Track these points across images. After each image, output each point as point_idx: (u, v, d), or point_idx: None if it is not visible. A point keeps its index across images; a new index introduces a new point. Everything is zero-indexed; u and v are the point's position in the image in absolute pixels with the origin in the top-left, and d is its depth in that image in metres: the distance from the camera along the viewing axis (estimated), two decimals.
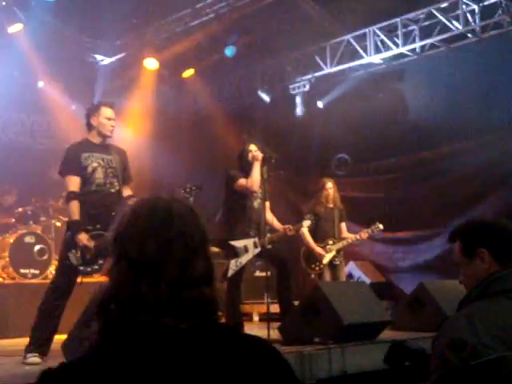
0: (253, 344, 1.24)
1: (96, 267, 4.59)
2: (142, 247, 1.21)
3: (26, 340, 4.48)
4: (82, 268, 4.53)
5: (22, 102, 8.98)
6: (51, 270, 7.33)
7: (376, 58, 8.36)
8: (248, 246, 5.38)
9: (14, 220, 7.79)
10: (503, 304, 1.91)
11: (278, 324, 4.98)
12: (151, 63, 9.24)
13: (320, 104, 9.23)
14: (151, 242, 1.21)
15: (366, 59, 8.39)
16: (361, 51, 8.39)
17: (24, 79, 8.66)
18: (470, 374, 1.75)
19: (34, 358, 4.25)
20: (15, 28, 7.72)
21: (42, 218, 7.91)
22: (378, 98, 8.64)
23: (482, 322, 1.83)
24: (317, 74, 8.95)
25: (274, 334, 4.85)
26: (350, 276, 8.01)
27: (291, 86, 9.20)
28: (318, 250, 6.46)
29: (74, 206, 4.53)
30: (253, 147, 5.64)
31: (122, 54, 9.61)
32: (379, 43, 8.23)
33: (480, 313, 1.88)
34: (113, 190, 4.68)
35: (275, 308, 5.61)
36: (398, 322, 5.28)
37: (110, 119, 4.69)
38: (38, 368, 4.10)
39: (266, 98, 9.42)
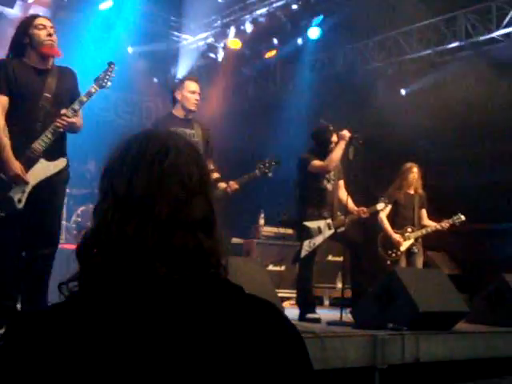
0: (259, 308, 1.05)
1: None
2: (131, 182, 1.06)
3: None
4: None
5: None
6: None
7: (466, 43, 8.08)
8: (322, 227, 5.34)
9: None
10: None
11: (348, 309, 4.94)
12: (234, 43, 9.31)
13: (403, 91, 9.02)
14: (141, 176, 1.06)
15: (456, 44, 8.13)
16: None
17: (111, 55, 8.91)
18: None
19: None
20: (106, 5, 7.97)
21: None
22: (465, 85, 8.32)
23: None
24: (400, 59, 8.74)
25: (346, 317, 4.82)
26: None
27: (373, 71, 9.03)
28: (396, 237, 6.34)
29: None
30: (332, 128, 5.58)
31: (206, 34, 9.73)
32: (470, 27, 7.94)
33: None
34: None
35: (347, 293, 5.56)
36: (475, 315, 5.11)
37: (194, 92, 4.71)
38: None
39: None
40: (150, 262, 1.01)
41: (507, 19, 7.66)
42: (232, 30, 9.32)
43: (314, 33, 8.89)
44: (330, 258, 7.73)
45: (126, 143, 1.11)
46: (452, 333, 4.52)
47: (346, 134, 5.30)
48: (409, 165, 6.55)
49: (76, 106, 3.72)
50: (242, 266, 4.35)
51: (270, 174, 4.82)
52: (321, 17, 8.73)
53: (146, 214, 1.03)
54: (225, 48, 9.55)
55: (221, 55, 9.69)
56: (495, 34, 7.86)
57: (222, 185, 4.75)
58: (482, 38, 7.99)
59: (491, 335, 4.70)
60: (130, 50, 9.48)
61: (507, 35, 7.84)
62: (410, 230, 6.41)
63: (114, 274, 1.02)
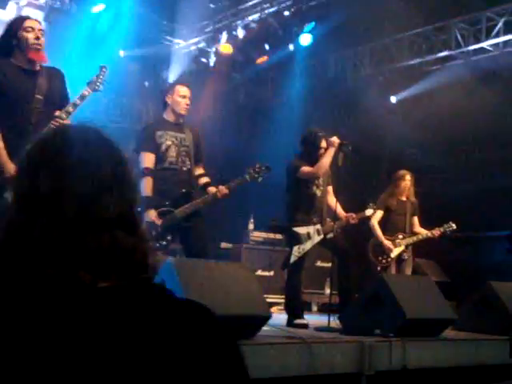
0: (189, 313, 0.98)
1: (164, 243, 4.67)
2: (34, 180, 0.97)
3: None
4: None
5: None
6: None
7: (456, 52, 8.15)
8: (311, 233, 5.35)
9: None
10: None
11: (336, 315, 4.93)
12: (226, 49, 9.32)
13: (393, 99, 9.08)
14: (44, 173, 0.98)
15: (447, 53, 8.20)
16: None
17: (103, 58, 8.92)
18: None
19: None
20: (98, 8, 7.97)
21: None
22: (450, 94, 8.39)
23: None
24: (391, 67, 8.80)
25: (334, 323, 4.82)
26: None
27: (364, 78, 9.08)
28: (387, 243, 6.37)
29: (148, 182, 4.59)
30: (322, 134, 5.59)
31: (198, 39, 9.74)
32: (459, 37, 8.01)
33: None
34: (184, 169, 4.74)
35: (335, 299, 5.57)
36: (462, 322, 5.14)
37: (184, 97, 4.72)
38: None
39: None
40: (70, 268, 0.93)
41: (496, 29, 7.74)
42: (224, 36, 9.34)
43: (305, 39, 8.92)
44: (318, 263, 7.75)
45: (34, 142, 1.05)
46: (439, 340, 4.54)
47: (335, 140, 5.31)
48: (402, 172, 6.59)
49: (70, 108, 3.72)
50: (231, 270, 4.34)
51: (259, 179, 4.81)
52: (312, 23, 8.76)
53: (52, 214, 0.95)
54: (216, 53, 9.56)
55: (212, 60, 9.71)
56: (485, 44, 7.93)
57: (212, 189, 4.75)
58: (471, 47, 8.07)
59: (478, 343, 4.72)
60: (121, 53, 9.47)
61: (496, 45, 7.92)
62: (401, 236, 6.44)
63: (31, 284, 0.92)
